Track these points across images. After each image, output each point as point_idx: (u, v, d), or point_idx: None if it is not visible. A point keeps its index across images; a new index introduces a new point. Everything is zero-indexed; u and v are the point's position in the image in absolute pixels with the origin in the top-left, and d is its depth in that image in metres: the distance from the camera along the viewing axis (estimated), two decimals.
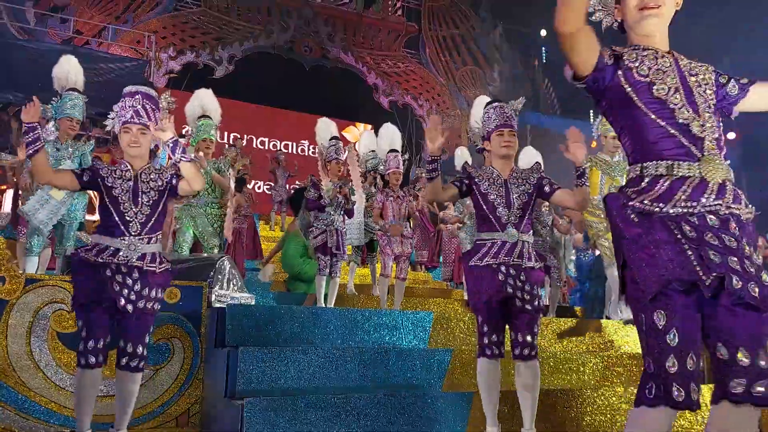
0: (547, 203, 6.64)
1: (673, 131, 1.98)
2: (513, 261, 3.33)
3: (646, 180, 1.98)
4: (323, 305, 5.92)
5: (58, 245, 5.54)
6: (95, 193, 3.38)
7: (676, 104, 2.00)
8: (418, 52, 19.09)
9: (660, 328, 1.85)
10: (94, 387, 3.10)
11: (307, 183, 6.33)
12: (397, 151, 6.77)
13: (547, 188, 3.48)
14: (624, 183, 2.07)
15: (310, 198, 6.02)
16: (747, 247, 1.89)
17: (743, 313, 1.81)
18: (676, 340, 1.82)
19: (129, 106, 3.27)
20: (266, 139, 17.93)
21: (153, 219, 3.24)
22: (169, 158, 5.66)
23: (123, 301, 3.05)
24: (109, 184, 3.20)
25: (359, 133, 19.10)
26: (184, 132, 6.27)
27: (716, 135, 2.02)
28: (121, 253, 3.11)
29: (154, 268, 3.17)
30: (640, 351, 5.06)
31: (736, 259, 1.83)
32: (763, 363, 1.77)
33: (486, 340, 3.34)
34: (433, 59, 19.03)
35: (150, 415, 3.86)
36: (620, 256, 1.99)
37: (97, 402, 3.28)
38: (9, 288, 3.71)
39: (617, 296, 6.40)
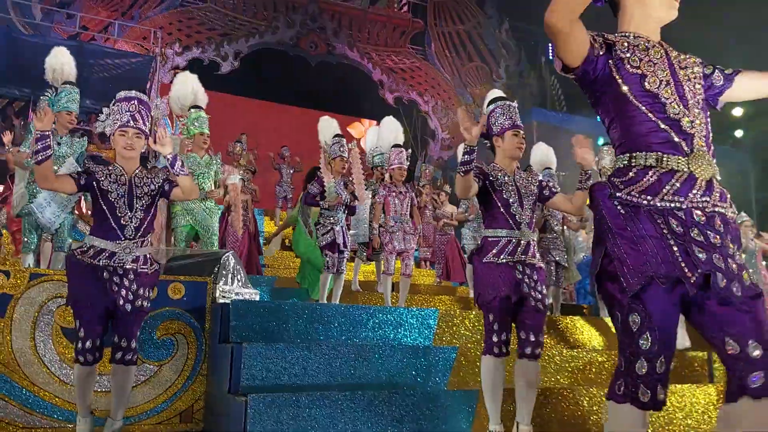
0: None
1: (663, 126, 1.95)
2: (528, 260, 3.38)
3: (634, 170, 1.95)
4: (325, 302, 5.92)
5: (57, 238, 5.51)
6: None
7: (666, 98, 1.97)
8: (423, 48, 19.04)
9: (634, 330, 1.83)
10: (91, 378, 3.29)
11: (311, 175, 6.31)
12: (401, 146, 6.73)
13: (546, 192, 3.58)
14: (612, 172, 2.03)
15: (311, 192, 5.98)
16: (731, 245, 1.87)
17: (750, 310, 1.80)
18: (648, 344, 1.81)
19: (125, 111, 3.35)
20: (271, 135, 17.91)
21: (146, 222, 3.38)
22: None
23: (122, 302, 3.20)
24: (105, 188, 3.30)
25: (364, 129, 19.10)
26: (178, 124, 6.24)
27: (704, 132, 2.00)
28: (116, 256, 3.23)
29: (146, 270, 3.33)
30: None
31: (720, 256, 1.82)
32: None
33: (495, 339, 3.33)
34: (438, 55, 18.97)
35: (154, 410, 3.85)
36: (601, 248, 1.95)
37: (97, 397, 3.51)
38: (13, 282, 3.70)
39: None
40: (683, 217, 1.87)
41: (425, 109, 18.73)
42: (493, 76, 18.65)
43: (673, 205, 1.88)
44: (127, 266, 3.25)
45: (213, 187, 5.96)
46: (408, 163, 6.68)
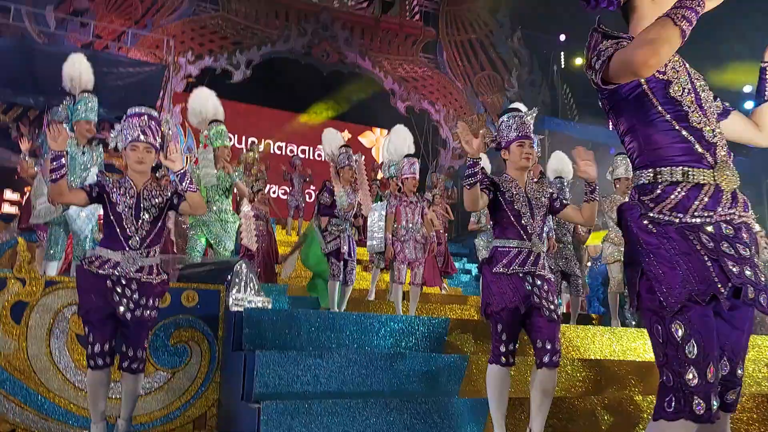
0: None
1: (687, 135, 1.92)
2: (538, 271, 3.40)
3: (661, 187, 1.92)
4: (335, 310, 5.94)
5: (76, 248, 5.57)
6: None
7: (689, 106, 1.94)
8: (435, 57, 19.07)
9: (678, 340, 1.80)
10: (104, 384, 3.33)
11: (322, 188, 6.36)
12: (413, 156, 6.75)
13: (557, 204, 3.61)
14: (635, 188, 2.01)
15: (323, 203, 6.08)
16: (756, 256, 1.90)
17: (741, 327, 1.90)
18: (695, 351, 1.78)
19: (136, 125, 3.44)
20: (283, 144, 18.01)
21: (153, 234, 3.45)
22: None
23: (122, 310, 3.26)
24: (114, 200, 3.39)
25: (375, 139, 19.15)
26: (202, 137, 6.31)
27: (724, 141, 1.98)
28: (120, 266, 3.31)
29: (152, 280, 3.39)
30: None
31: (750, 269, 1.83)
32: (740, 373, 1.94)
33: (503, 348, 3.34)
34: (450, 64, 18.99)
35: (168, 417, 3.88)
36: (636, 267, 1.94)
37: (111, 404, 3.59)
38: (29, 290, 3.75)
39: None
40: (713, 231, 1.86)
41: (436, 119, 18.74)
42: (505, 85, 18.64)
43: (703, 220, 1.88)
44: (131, 276, 3.32)
45: (230, 203, 6.02)
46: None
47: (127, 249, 3.34)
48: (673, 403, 1.79)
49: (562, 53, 19.26)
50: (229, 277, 4.48)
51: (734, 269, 1.81)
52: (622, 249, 6.19)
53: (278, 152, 17.60)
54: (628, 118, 2.01)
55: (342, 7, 18.15)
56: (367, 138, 19.27)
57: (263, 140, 16.80)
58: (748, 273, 1.81)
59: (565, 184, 6.93)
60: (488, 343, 4.67)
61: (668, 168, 1.92)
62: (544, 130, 15.06)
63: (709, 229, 1.87)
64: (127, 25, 15.32)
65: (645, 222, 1.92)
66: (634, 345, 5.35)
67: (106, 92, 5.70)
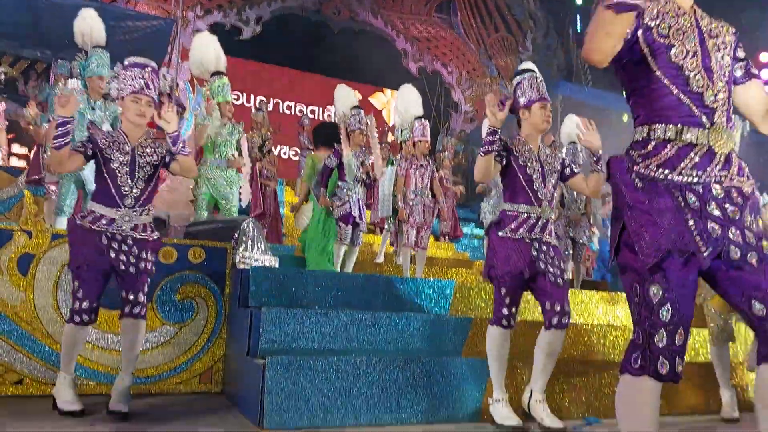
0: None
1: (685, 99, 1.92)
2: (544, 238, 3.39)
3: (653, 143, 1.93)
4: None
5: (85, 202, 5.56)
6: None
7: (691, 70, 1.92)
8: (449, 17, 18.73)
9: (654, 302, 1.82)
10: (82, 341, 3.33)
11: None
12: (424, 119, 6.66)
13: (567, 171, 3.59)
14: (630, 145, 2.01)
15: (328, 166, 5.83)
16: (749, 217, 1.88)
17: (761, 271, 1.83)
18: (669, 315, 1.80)
19: (139, 77, 3.32)
20: (292, 103, 17.86)
21: (147, 192, 3.38)
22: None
23: (123, 266, 3.23)
24: (108, 156, 3.29)
25: (387, 101, 18.97)
26: (204, 90, 6.25)
27: (726, 106, 1.96)
28: (116, 223, 3.26)
29: (147, 237, 3.34)
30: None
31: (736, 229, 1.83)
32: None
33: (505, 311, 3.36)
34: (464, 25, 18.65)
35: (174, 371, 3.93)
36: (619, 222, 1.94)
37: (107, 354, 3.70)
38: (36, 242, 3.76)
39: None
40: (701, 191, 1.86)
41: (449, 81, 18.52)
42: (519, 48, 18.34)
43: (691, 179, 1.87)
44: (126, 233, 3.27)
45: (236, 157, 5.99)
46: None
47: (122, 207, 3.27)
48: (639, 360, 1.85)
49: (578, 17, 18.88)
50: (237, 235, 4.49)
51: (717, 231, 1.81)
52: None
53: (288, 111, 17.47)
54: (630, 81, 2.02)
55: None
56: (377, 99, 19.06)
57: (272, 99, 16.68)
58: (732, 234, 1.81)
59: (579, 149, 6.84)
60: (492, 305, 4.69)
61: (662, 125, 1.94)
62: (558, 95, 14.84)
63: (698, 188, 1.86)
64: None
65: (632, 176, 1.92)
66: None
67: (113, 47, 5.59)
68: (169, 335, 3.97)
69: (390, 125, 11.92)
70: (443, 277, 6.41)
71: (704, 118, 1.92)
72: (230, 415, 3.42)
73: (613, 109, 15.42)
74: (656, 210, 1.85)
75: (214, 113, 5.87)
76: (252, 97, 16.45)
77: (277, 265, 4.65)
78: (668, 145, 1.91)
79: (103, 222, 3.24)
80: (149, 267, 3.34)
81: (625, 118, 16.60)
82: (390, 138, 11.00)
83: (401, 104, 7.10)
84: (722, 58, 1.99)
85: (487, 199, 8.71)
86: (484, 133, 9.52)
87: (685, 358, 1.85)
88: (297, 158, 13.15)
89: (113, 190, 3.28)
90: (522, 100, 3.52)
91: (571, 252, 6.82)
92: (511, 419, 3.35)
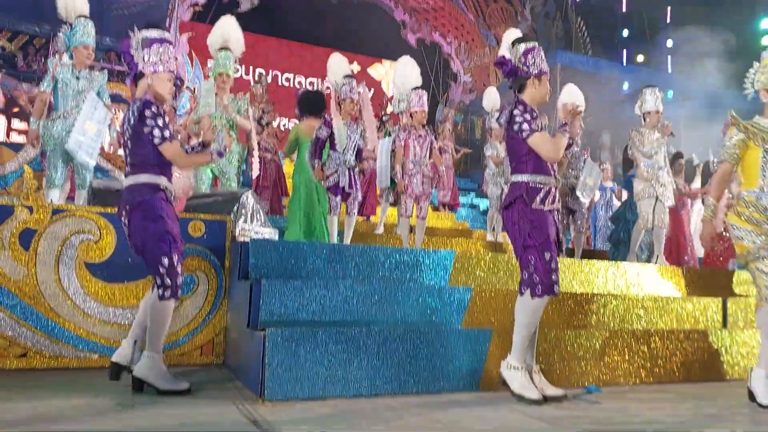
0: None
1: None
2: (556, 206, 3.49)
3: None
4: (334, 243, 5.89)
5: (77, 176, 5.55)
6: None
7: None
8: None
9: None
10: None
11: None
12: (421, 88, 6.63)
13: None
14: None
15: (320, 137, 5.76)
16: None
17: None
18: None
19: (172, 57, 3.33)
20: (291, 76, 17.76)
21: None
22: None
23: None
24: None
25: (385, 72, 18.83)
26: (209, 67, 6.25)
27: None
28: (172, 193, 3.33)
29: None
30: (662, 294, 5.04)
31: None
32: None
33: (555, 277, 3.35)
34: None
35: (176, 343, 3.97)
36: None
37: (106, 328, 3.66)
38: (37, 218, 3.78)
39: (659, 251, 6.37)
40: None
41: (448, 51, 18.37)
42: (518, 17, 18.16)
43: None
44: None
45: (232, 131, 5.94)
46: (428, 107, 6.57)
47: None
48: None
49: None
50: (236, 208, 4.50)
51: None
52: (654, 184, 6.17)
53: (286, 84, 17.38)
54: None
55: None
56: (376, 70, 18.95)
57: (271, 71, 16.59)
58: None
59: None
60: (492, 276, 4.72)
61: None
62: (557, 63, 14.74)
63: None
64: None
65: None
66: (636, 280, 5.38)
67: (111, 21, 5.58)
68: None
69: (389, 97, 11.85)
70: (443, 247, 6.43)
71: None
72: (232, 386, 3.46)
73: (613, 77, 15.30)
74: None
75: (210, 90, 5.86)
76: (251, 69, 16.35)
77: (276, 238, 4.67)
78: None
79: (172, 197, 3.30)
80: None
81: (625, 86, 16.51)
82: (389, 109, 10.96)
83: (399, 76, 7.07)
84: None
85: (487, 172, 8.68)
86: (484, 103, 9.49)
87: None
88: None
89: (170, 168, 3.32)
90: (534, 69, 3.48)
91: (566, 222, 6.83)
92: (532, 391, 3.31)
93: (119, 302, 3.88)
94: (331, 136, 5.77)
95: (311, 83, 17.60)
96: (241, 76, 16.05)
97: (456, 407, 3.16)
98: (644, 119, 6.38)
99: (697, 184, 8.63)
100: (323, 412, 2.95)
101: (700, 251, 8.08)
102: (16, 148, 7.43)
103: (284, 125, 16.26)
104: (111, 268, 3.86)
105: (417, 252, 4.50)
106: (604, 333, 4.07)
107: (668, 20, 18.03)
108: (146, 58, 3.30)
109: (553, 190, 3.42)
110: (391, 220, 8.24)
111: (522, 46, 3.52)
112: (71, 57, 5.49)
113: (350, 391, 3.31)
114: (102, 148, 6.08)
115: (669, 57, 17.84)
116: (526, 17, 18.09)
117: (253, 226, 4.61)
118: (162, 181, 3.22)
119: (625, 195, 8.46)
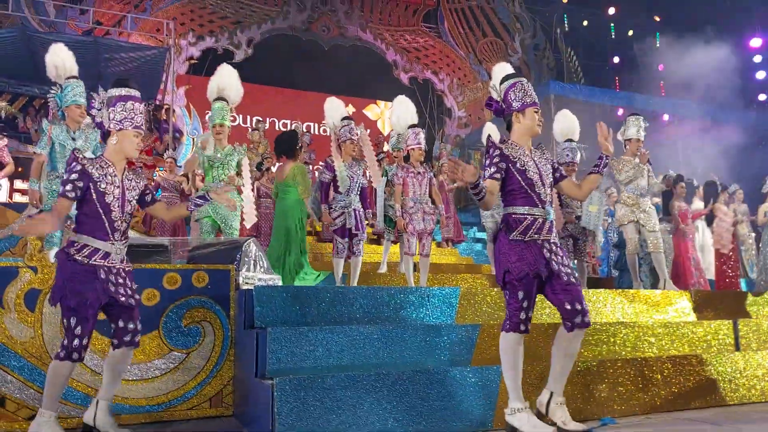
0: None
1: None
2: (552, 239, 3.41)
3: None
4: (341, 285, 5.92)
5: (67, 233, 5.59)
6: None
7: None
8: (436, 26, 18.85)
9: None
10: (68, 377, 3.26)
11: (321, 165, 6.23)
12: (418, 126, 6.69)
13: (557, 174, 3.62)
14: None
15: (324, 181, 5.86)
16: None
17: None
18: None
19: (139, 112, 3.37)
20: (288, 121, 17.94)
21: (129, 223, 3.42)
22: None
23: (124, 298, 3.28)
24: (101, 190, 3.27)
25: (380, 111, 19.03)
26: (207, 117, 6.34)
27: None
28: (110, 257, 3.29)
29: (129, 267, 3.42)
30: (671, 320, 5.00)
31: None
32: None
33: (523, 316, 3.32)
34: (452, 32, 18.78)
35: (184, 396, 3.94)
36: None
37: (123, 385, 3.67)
38: (41, 277, 3.79)
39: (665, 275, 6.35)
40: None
41: (441, 88, 18.58)
42: (509, 51, 18.42)
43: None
44: (118, 266, 3.32)
45: (231, 177, 5.99)
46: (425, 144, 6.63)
47: (113, 240, 3.29)
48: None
49: (565, 15, 18.95)
50: (239, 256, 4.51)
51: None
52: (635, 210, 6.21)
53: (284, 129, 17.54)
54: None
55: None
56: (371, 111, 19.14)
57: (268, 118, 16.75)
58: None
59: (575, 147, 6.83)
60: (500, 311, 4.69)
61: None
62: (550, 94, 14.88)
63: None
64: (126, 10, 15.25)
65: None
66: (644, 307, 5.35)
67: (109, 78, 5.69)
68: (178, 361, 3.98)
69: (385, 135, 11.98)
70: (449, 284, 6.41)
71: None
72: None
73: (606, 104, 15.43)
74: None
75: (207, 146, 5.93)
76: (248, 118, 16.52)
77: (280, 284, 4.66)
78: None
79: (99, 256, 3.24)
80: (137, 297, 3.42)
81: (620, 112, 16.63)
82: (386, 148, 11.06)
83: (395, 116, 7.15)
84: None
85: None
86: (483, 138, 9.53)
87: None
88: None
89: (107, 224, 3.27)
90: (516, 104, 3.52)
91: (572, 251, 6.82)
92: (545, 428, 3.25)
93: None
94: (334, 179, 5.84)
95: (308, 127, 17.76)
96: (239, 124, 16.22)
97: None
98: (625, 146, 6.53)
99: (696, 205, 8.64)
100: None
101: (710, 272, 8.05)
102: (20, 208, 7.48)
103: None
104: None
105: (422, 290, 4.48)
106: (616, 363, 4.02)
107: (657, 45, 18.25)
108: (111, 116, 3.35)
109: (539, 221, 3.38)
110: (394, 259, 8.23)
111: (504, 86, 3.59)
112: (63, 117, 5.59)
113: None
114: None
115: (661, 82, 18.00)
116: (516, 50, 18.35)
117: (256, 274, 4.61)
118: (80, 239, 3.25)
119: None
